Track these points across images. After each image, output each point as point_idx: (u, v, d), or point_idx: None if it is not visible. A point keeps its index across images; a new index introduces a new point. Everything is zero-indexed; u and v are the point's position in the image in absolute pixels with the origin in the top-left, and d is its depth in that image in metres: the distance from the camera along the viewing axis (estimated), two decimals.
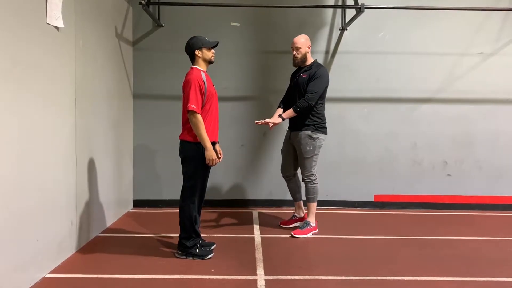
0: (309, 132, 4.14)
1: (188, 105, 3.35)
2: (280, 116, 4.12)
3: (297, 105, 4.08)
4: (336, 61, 5.37)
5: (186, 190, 3.50)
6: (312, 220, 4.27)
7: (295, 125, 4.21)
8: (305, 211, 4.50)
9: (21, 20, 2.75)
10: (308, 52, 4.19)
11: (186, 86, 3.43)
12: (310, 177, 4.23)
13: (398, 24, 5.34)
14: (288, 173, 4.45)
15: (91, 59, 3.91)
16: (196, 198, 3.52)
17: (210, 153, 3.40)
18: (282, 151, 4.49)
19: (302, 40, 4.14)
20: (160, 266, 3.32)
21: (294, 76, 4.36)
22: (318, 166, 5.31)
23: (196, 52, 3.52)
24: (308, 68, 4.17)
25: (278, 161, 4.77)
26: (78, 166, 3.63)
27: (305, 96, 4.08)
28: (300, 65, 4.24)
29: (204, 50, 3.53)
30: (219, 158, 3.53)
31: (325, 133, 4.25)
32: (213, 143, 3.54)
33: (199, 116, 3.36)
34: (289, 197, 4.82)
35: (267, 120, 4.08)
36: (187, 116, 3.41)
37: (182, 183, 3.54)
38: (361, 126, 5.40)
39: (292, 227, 4.44)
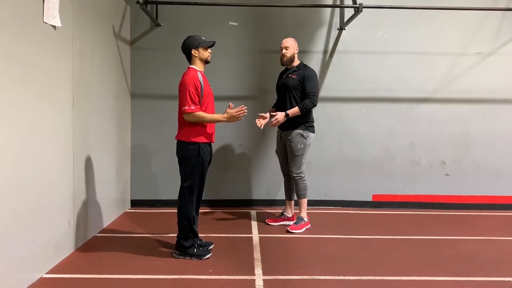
0: (300, 131, 4.31)
1: (186, 107, 3.37)
2: (286, 113, 4.23)
3: (304, 106, 4.25)
4: (334, 61, 5.37)
5: (184, 190, 3.49)
6: (304, 215, 4.40)
7: (287, 124, 4.32)
8: (294, 211, 4.62)
9: (18, 19, 2.73)
10: (295, 54, 4.39)
11: (182, 88, 3.44)
12: (300, 174, 4.35)
13: (396, 23, 5.34)
14: (286, 171, 4.56)
15: (88, 59, 3.89)
16: (194, 198, 3.51)
17: (227, 119, 3.44)
18: (277, 152, 4.63)
19: (291, 42, 4.38)
20: (157, 266, 3.31)
21: (281, 76, 4.52)
22: (316, 166, 5.37)
23: (193, 52, 3.52)
24: (296, 69, 4.37)
25: (276, 161, 4.78)
26: (76, 166, 3.61)
27: (310, 97, 4.26)
28: (287, 65, 4.43)
29: (201, 50, 3.53)
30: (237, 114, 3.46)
31: (314, 131, 4.43)
32: (209, 144, 3.56)
33: (198, 113, 3.39)
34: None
35: (276, 122, 4.20)
36: (183, 117, 3.43)
37: (179, 183, 3.53)
38: (359, 126, 5.40)
39: (278, 225, 4.52)
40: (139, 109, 5.29)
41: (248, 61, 5.35)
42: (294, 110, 4.25)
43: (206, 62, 3.60)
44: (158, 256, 3.54)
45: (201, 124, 3.45)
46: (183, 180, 3.51)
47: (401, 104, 5.40)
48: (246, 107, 3.48)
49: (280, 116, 4.21)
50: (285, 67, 4.48)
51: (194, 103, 3.38)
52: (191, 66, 3.55)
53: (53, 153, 3.22)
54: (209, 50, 3.59)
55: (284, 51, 4.34)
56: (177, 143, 3.52)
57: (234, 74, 5.33)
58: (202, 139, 3.47)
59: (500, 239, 4.15)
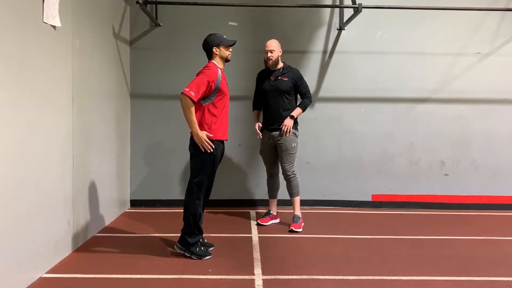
0: (293, 130, 4.37)
1: (187, 89, 3.33)
2: (291, 116, 4.34)
3: (305, 105, 4.43)
4: (334, 61, 5.38)
5: (193, 185, 3.49)
6: (299, 213, 4.49)
7: (279, 124, 4.36)
8: (277, 209, 4.69)
9: (17, 19, 2.73)
10: (279, 56, 4.41)
11: (200, 74, 3.43)
12: (294, 172, 4.45)
13: (396, 24, 5.35)
14: (273, 170, 4.59)
15: (88, 59, 3.89)
16: (202, 195, 3.51)
17: (197, 136, 3.38)
18: (263, 152, 4.58)
19: (275, 44, 4.39)
20: (157, 266, 3.32)
21: (264, 79, 4.45)
22: (315, 166, 5.40)
23: (214, 50, 3.52)
24: (284, 71, 4.42)
25: None
26: (75, 166, 3.62)
27: (307, 96, 4.45)
28: (272, 68, 4.41)
29: (222, 48, 3.54)
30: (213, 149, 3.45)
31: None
32: (222, 142, 3.58)
33: (191, 106, 3.34)
34: (286, 196, 4.82)
35: (289, 128, 4.29)
36: (194, 110, 3.39)
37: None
38: (359, 126, 5.41)
39: (270, 224, 4.55)
40: (139, 109, 5.30)
41: (248, 61, 5.34)
42: (298, 112, 4.39)
43: (226, 60, 3.60)
44: (158, 255, 3.54)
45: (216, 122, 3.46)
46: (193, 175, 3.50)
47: (400, 104, 5.41)
48: (212, 150, 3.42)
49: (289, 122, 4.31)
50: (263, 69, 4.50)
51: (197, 93, 3.34)
52: (213, 61, 3.54)
53: (52, 152, 3.23)
54: (230, 49, 3.59)
55: (269, 54, 4.33)
56: (191, 138, 3.51)
57: (234, 74, 5.30)
58: (215, 136, 3.47)
59: (499, 239, 4.16)
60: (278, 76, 4.38)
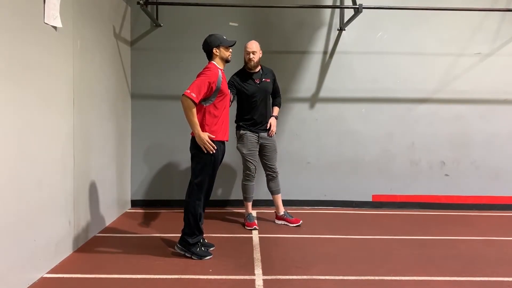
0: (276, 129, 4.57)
1: (189, 91, 3.33)
2: (276, 116, 4.53)
3: (280, 103, 4.62)
4: (334, 61, 5.38)
5: (194, 186, 3.50)
6: None
7: (264, 126, 4.45)
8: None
9: (18, 20, 2.74)
10: (260, 58, 4.40)
11: (200, 75, 3.43)
12: (278, 170, 4.58)
13: (396, 24, 5.35)
14: (255, 172, 4.53)
15: (89, 59, 3.90)
16: (202, 195, 3.52)
17: (200, 138, 3.39)
18: (252, 154, 4.44)
19: (256, 45, 4.37)
20: (158, 266, 3.32)
21: (246, 81, 4.38)
22: (316, 166, 5.40)
23: (214, 50, 3.53)
24: (266, 72, 4.47)
25: None
26: (76, 166, 3.63)
27: (280, 95, 4.62)
28: (254, 69, 4.39)
29: (222, 49, 3.55)
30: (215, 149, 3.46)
31: None
32: (223, 143, 3.59)
33: (192, 108, 3.35)
34: (287, 196, 4.84)
35: (274, 128, 4.45)
36: (196, 110, 3.40)
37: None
38: (359, 126, 5.41)
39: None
40: (139, 109, 5.30)
41: None
42: (277, 111, 4.57)
43: (226, 61, 3.61)
44: (158, 256, 3.54)
45: (216, 122, 3.47)
46: (193, 176, 3.51)
47: (401, 104, 5.41)
48: (214, 151, 3.43)
49: (275, 122, 4.47)
50: (236, 72, 4.45)
51: (198, 94, 3.35)
52: (213, 62, 3.55)
53: (53, 152, 3.24)
54: (230, 50, 3.60)
55: (251, 56, 4.29)
56: (192, 139, 3.52)
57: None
58: (216, 137, 3.48)
59: (499, 239, 4.16)
60: (262, 78, 4.40)
